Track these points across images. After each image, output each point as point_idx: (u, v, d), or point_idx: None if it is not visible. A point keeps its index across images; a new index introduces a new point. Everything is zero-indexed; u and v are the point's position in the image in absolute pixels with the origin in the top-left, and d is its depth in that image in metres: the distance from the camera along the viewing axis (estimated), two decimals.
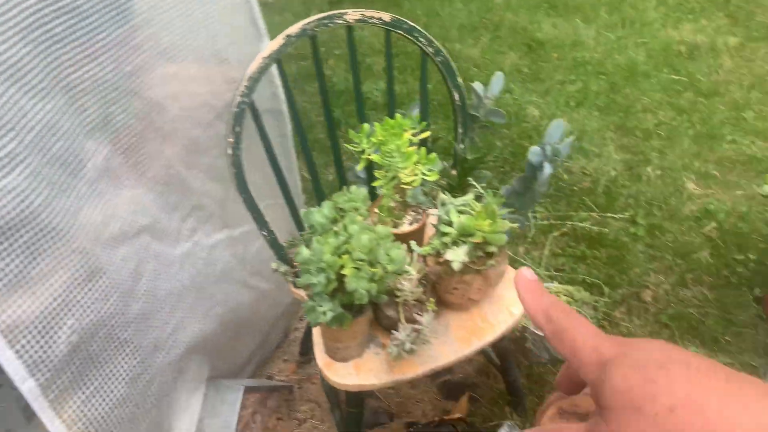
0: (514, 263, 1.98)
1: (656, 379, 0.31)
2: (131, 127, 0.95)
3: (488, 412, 1.61)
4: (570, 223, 2.10)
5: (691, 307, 1.77)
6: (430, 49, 1.23)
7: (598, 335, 0.35)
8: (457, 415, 1.51)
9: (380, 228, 1.04)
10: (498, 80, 1.31)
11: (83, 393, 0.86)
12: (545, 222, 2.11)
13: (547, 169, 1.21)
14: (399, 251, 1.00)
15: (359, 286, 0.97)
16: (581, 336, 0.35)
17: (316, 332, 1.22)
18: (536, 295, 0.39)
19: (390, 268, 1.00)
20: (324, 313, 1.01)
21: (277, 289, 1.61)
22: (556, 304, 0.38)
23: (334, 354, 1.18)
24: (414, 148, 1.21)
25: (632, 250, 1.96)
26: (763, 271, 1.80)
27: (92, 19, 0.81)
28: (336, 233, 1.02)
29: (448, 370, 1.75)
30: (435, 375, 1.74)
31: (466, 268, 1.15)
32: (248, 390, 1.45)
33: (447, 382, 1.72)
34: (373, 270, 0.98)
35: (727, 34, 3.03)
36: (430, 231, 1.34)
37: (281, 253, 1.27)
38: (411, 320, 1.12)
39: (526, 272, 0.40)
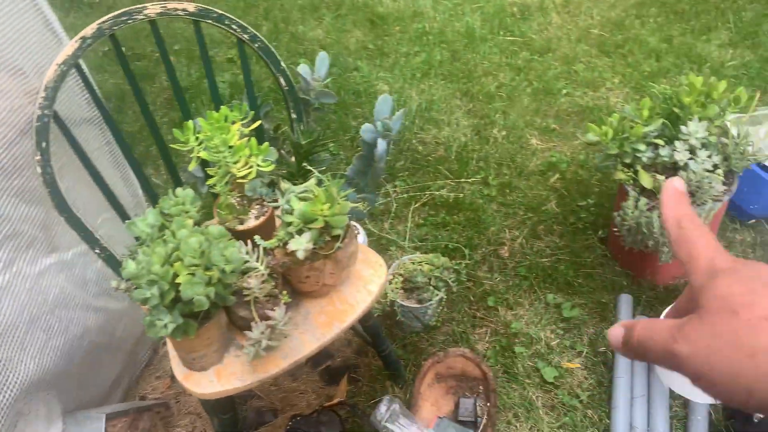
0: (381, 239, 2.00)
1: (759, 291, 0.34)
2: None
3: (370, 389, 1.62)
4: (429, 192, 2.15)
5: (544, 256, 1.88)
6: (246, 36, 1.19)
7: (717, 249, 0.38)
8: (336, 400, 1.50)
9: (212, 228, 1.00)
10: (323, 61, 1.29)
11: None
12: (405, 195, 2.15)
13: (381, 145, 1.21)
14: (233, 250, 0.97)
15: (195, 293, 0.92)
16: (702, 245, 0.38)
17: (170, 346, 1.16)
18: (676, 203, 0.42)
19: (227, 268, 0.96)
20: (165, 326, 0.95)
21: (133, 306, 1.52)
22: (691, 215, 0.41)
23: (191, 365, 1.13)
24: (244, 140, 1.17)
25: (487, 211, 2.04)
26: (603, 213, 1.94)
27: None
28: (164, 241, 0.96)
29: (328, 355, 1.75)
30: (315, 363, 1.73)
31: (313, 255, 1.13)
32: (113, 416, 1.36)
33: (328, 368, 1.71)
34: (208, 274, 0.94)
35: None
36: (279, 222, 1.31)
37: (120, 269, 1.19)
38: (265, 317, 1.09)
39: (677, 182, 0.43)
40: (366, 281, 1.27)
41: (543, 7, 3.08)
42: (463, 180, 2.17)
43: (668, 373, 1.43)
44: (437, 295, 1.67)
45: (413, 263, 1.73)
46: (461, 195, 2.11)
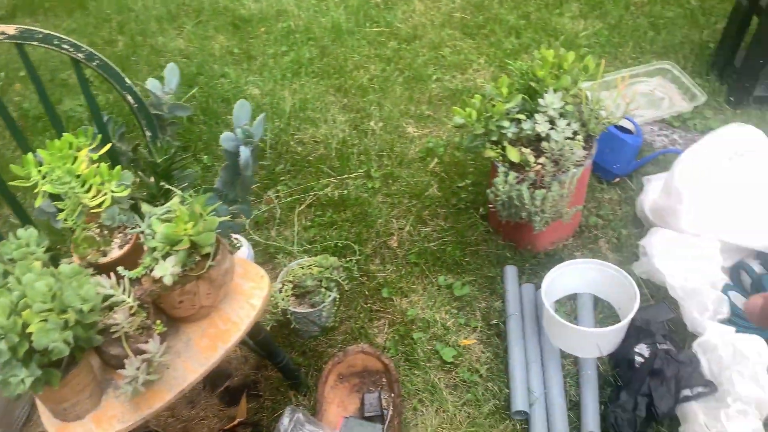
0: (268, 248, 1.95)
1: None
2: None
3: (273, 403, 1.58)
4: (313, 193, 2.12)
5: (432, 240, 1.91)
6: (81, 55, 1.11)
7: None
8: (237, 421, 1.45)
9: (64, 267, 0.92)
10: (172, 72, 1.23)
11: None
12: (289, 198, 2.11)
13: (245, 152, 1.17)
14: (90, 287, 0.90)
15: (51, 340, 0.85)
16: None
17: (37, 399, 1.07)
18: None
19: (85, 308, 0.89)
20: (21, 381, 0.87)
21: None
22: None
23: (64, 415, 1.05)
24: (93, 166, 1.09)
25: (373, 203, 2.04)
26: (481, 191, 1.99)
27: None
28: (9, 289, 0.88)
29: (226, 376, 1.69)
30: (213, 385, 1.66)
31: (184, 278, 1.08)
32: None
33: (228, 389, 1.65)
34: (63, 317, 0.87)
35: None
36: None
37: None
38: (139, 351, 1.03)
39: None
40: (248, 296, 1.23)
41: None
42: (346, 176, 2.16)
43: (555, 333, 1.49)
44: (329, 296, 1.65)
45: (302, 268, 1.70)
46: (346, 191, 2.10)
